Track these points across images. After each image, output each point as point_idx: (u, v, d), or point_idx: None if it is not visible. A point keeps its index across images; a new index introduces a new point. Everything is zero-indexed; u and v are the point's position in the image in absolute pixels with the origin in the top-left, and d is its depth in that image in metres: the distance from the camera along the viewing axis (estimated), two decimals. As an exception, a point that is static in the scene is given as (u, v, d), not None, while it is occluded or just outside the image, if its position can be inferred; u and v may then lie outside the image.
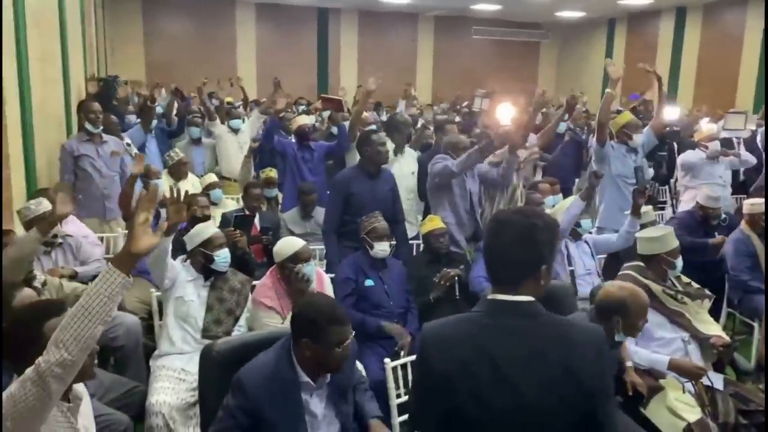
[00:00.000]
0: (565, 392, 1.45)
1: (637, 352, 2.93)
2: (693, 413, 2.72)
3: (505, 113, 5.97)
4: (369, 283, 3.47)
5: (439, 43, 16.96)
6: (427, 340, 1.57)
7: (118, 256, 1.63)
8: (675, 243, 3.19)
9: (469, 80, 14.71)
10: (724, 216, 4.75)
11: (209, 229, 3.32)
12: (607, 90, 4.66)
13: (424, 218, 5.05)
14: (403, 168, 5.02)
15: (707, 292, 3.22)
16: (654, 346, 3.00)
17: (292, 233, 4.58)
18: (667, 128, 6.05)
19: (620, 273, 3.21)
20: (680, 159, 5.87)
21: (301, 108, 9.98)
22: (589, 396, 1.46)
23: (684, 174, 5.70)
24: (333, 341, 1.98)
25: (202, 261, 3.18)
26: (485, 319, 1.53)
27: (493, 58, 17.00)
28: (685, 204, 5.43)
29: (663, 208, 6.33)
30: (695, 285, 3.23)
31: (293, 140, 5.65)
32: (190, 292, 3.12)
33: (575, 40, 17.52)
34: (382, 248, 3.49)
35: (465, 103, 10.86)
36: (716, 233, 4.65)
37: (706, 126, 5.98)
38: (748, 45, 12.62)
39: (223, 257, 3.20)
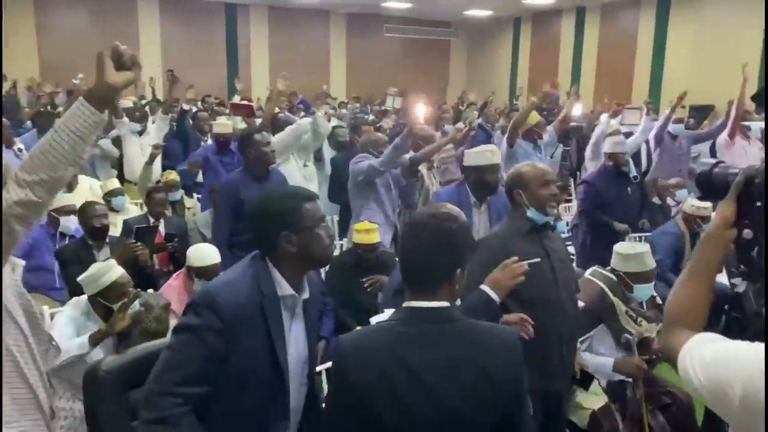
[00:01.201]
0: (483, 397, 1.47)
1: (586, 357, 2.94)
2: (598, 401, 2.83)
3: (419, 111, 6.03)
4: None
5: (351, 41, 16.93)
6: (343, 352, 1.55)
7: (92, 91, 1.43)
8: (646, 267, 3.05)
9: (383, 78, 14.77)
10: (635, 174, 4.84)
11: (112, 272, 2.71)
12: (532, 98, 4.94)
13: (342, 220, 5.02)
14: (291, 165, 4.74)
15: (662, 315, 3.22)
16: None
17: (203, 237, 4.42)
18: (570, 124, 6.29)
19: (587, 277, 3.10)
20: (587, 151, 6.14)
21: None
22: (507, 399, 1.49)
23: (591, 159, 5.93)
24: (313, 219, 1.74)
25: (103, 313, 2.65)
26: (402, 328, 1.51)
27: (405, 56, 17.16)
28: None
29: (569, 201, 6.57)
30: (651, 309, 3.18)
31: (211, 143, 5.46)
32: (95, 352, 2.54)
33: (484, 39, 17.99)
34: None
35: (378, 102, 10.90)
36: (629, 188, 4.74)
37: (605, 120, 6.25)
38: (641, 43, 13.42)
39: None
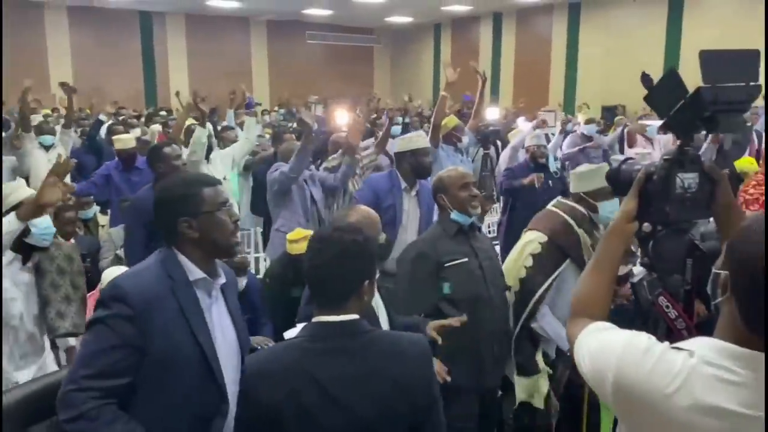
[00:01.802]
0: (396, 406, 1.47)
1: (550, 323, 2.78)
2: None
3: (341, 118, 6.03)
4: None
5: (273, 48, 16.75)
6: (251, 374, 1.51)
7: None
8: (601, 184, 2.79)
9: (307, 85, 14.72)
10: (555, 169, 5.04)
11: (21, 189, 2.60)
12: (442, 92, 4.90)
13: (265, 231, 4.92)
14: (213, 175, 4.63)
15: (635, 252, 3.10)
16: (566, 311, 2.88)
17: (117, 256, 4.25)
18: (490, 128, 6.44)
19: (550, 209, 2.90)
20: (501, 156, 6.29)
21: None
22: (420, 406, 1.50)
23: (506, 162, 6.10)
24: (214, 203, 1.67)
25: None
26: (310, 344, 1.49)
27: (329, 63, 17.15)
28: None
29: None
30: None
31: (114, 160, 5.15)
32: (7, 286, 2.45)
33: (406, 45, 18.23)
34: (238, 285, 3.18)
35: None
36: (550, 182, 4.87)
37: (522, 125, 6.45)
38: (555, 48, 13.95)
39: (44, 227, 2.47)
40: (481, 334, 2.51)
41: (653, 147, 6.17)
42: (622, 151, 6.72)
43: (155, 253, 1.71)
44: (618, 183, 1.49)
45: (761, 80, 1.48)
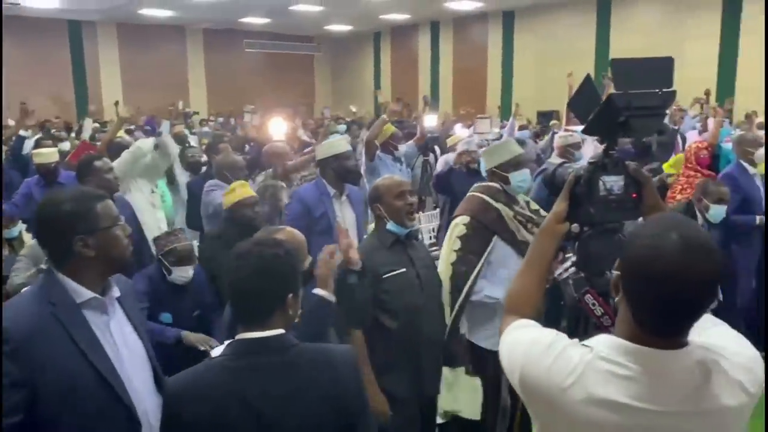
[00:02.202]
0: (327, 418, 1.46)
1: (491, 289, 2.81)
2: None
3: (277, 128, 5.96)
4: (166, 319, 2.98)
5: (210, 57, 16.47)
6: (172, 396, 1.46)
7: None
8: (512, 153, 2.94)
9: (246, 94, 14.50)
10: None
11: None
12: (383, 116, 5.01)
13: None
14: (135, 193, 4.30)
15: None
16: (505, 283, 2.79)
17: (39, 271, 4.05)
18: (428, 134, 6.51)
19: (468, 194, 3.00)
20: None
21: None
22: (351, 412, 1.50)
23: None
24: (109, 219, 1.58)
25: None
26: (234, 362, 1.45)
27: (269, 72, 16.99)
28: None
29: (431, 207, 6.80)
30: (543, 213, 3.02)
31: (35, 177, 4.86)
32: None
33: (347, 53, 18.26)
34: (182, 274, 3.00)
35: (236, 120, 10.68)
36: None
37: (459, 131, 6.55)
38: (492, 55, 14.26)
39: None
40: (420, 343, 2.51)
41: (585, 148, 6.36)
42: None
43: (34, 287, 1.60)
44: (553, 186, 1.54)
45: (675, 86, 1.56)
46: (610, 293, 1.40)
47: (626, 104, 1.45)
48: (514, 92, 13.79)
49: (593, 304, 1.47)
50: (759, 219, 4.14)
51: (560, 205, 1.43)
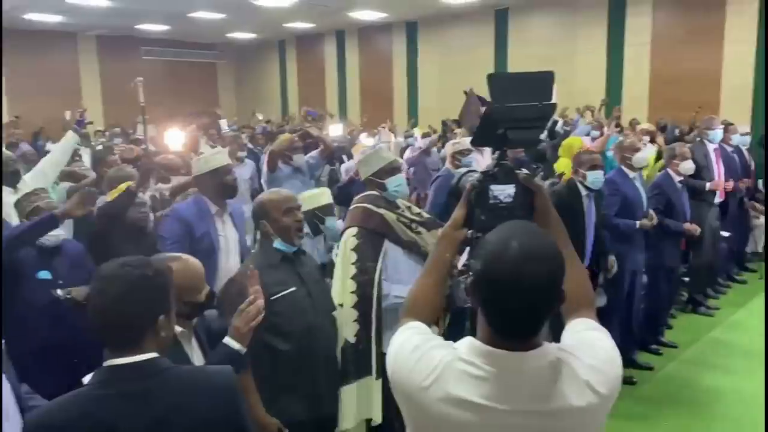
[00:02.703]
0: None
1: (399, 288, 2.79)
2: None
3: (174, 140, 5.74)
4: (44, 275, 2.86)
5: (105, 65, 15.66)
6: (34, 430, 1.34)
7: None
8: (385, 160, 3.02)
9: (146, 104, 13.88)
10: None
11: None
12: (287, 135, 5.10)
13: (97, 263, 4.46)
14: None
15: (439, 221, 3.13)
16: (405, 282, 2.80)
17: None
18: (335, 144, 6.50)
19: (351, 206, 3.03)
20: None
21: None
22: None
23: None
24: None
25: None
26: (101, 390, 1.35)
27: (169, 80, 16.35)
28: None
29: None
30: (426, 215, 3.14)
31: None
32: None
33: (251, 61, 17.94)
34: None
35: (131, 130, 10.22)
36: None
37: (364, 140, 6.58)
38: (397, 65, 14.46)
39: None
40: (316, 363, 2.44)
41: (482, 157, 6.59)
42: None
43: None
44: (459, 193, 1.57)
45: (555, 99, 1.62)
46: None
47: (503, 117, 1.49)
48: (420, 101, 14.05)
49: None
50: (639, 223, 4.42)
51: (458, 212, 1.48)
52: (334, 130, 6.53)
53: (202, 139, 7.89)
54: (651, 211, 4.54)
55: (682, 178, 4.82)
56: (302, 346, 2.36)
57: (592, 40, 11.21)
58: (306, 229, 3.47)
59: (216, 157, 3.32)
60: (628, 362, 4.61)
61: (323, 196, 3.76)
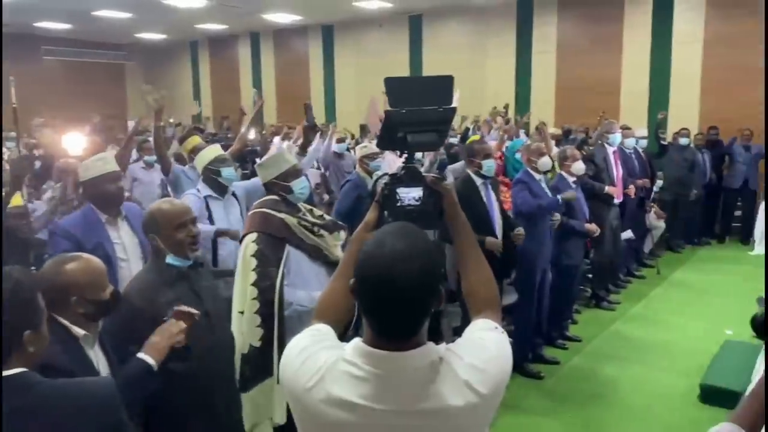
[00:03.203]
0: None
1: (307, 295, 2.77)
2: None
3: (75, 143, 5.44)
4: None
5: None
6: None
7: None
8: (289, 163, 3.03)
9: (47, 107, 13.11)
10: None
11: None
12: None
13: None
14: None
15: (341, 223, 3.16)
16: (310, 286, 2.82)
17: None
18: (247, 147, 6.37)
19: (249, 213, 2.97)
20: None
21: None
22: None
23: None
24: None
25: None
26: None
27: (72, 81, 15.52)
28: None
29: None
30: (327, 217, 3.11)
31: None
32: None
33: (162, 62, 17.32)
34: None
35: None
36: None
37: (278, 143, 6.50)
38: (313, 67, 14.39)
39: None
40: (212, 384, 2.34)
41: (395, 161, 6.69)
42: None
43: None
44: (375, 196, 1.57)
45: (456, 103, 1.65)
46: None
47: (401, 121, 1.51)
48: (338, 105, 14.05)
49: None
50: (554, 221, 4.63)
51: (370, 214, 1.51)
52: (250, 134, 6.40)
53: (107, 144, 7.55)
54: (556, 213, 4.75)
55: (575, 179, 5.06)
56: (199, 368, 2.24)
57: (501, 47, 11.60)
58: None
59: (96, 164, 3.09)
60: (536, 358, 4.80)
61: (210, 151, 3.91)
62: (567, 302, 5.29)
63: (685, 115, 9.45)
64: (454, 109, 1.55)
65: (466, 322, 1.39)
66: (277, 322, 2.70)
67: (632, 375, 4.63)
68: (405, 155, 1.58)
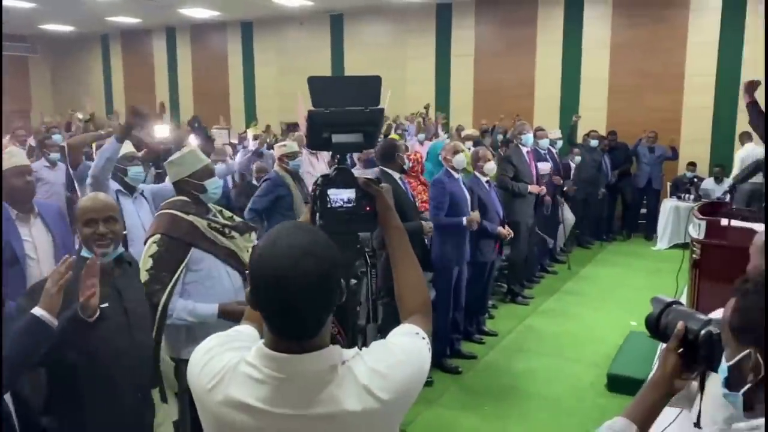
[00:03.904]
0: None
1: (184, 308, 2.66)
2: None
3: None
4: None
5: None
6: None
7: None
8: (202, 161, 2.90)
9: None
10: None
11: None
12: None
13: None
14: None
15: (251, 224, 3.08)
16: (218, 292, 2.72)
17: None
18: (161, 146, 6.16)
19: (158, 212, 2.85)
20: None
21: None
22: None
23: None
24: None
25: None
26: None
27: (-31, 74, 14.45)
28: None
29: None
30: (237, 218, 3.02)
31: None
32: None
33: (70, 56, 16.40)
34: None
35: None
36: None
37: (194, 142, 6.31)
38: (232, 64, 14.05)
39: None
40: (122, 386, 2.22)
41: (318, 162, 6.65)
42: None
43: None
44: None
45: (384, 104, 1.63)
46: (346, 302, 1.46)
47: (324, 121, 1.49)
48: (258, 103, 13.79)
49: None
50: (465, 219, 4.71)
51: (305, 216, 1.51)
52: (160, 132, 6.16)
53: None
54: (477, 211, 4.86)
55: (488, 179, 5.21)
56: (113, 368, 2.16)
57: (421, 48, 11.76)
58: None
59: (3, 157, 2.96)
60: (454, 353, 4.90)
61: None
62: (482, 298, 5.42)
63: (594, 117, 9.94)
64: (381, 110, 1.52)
65: (396, 324, 1.37)
66: (156, 329, 2.58)
67: (545, 366, 4.81)
68: (338, 157, 1.56)
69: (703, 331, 1.30)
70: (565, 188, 7.58)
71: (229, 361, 1.16)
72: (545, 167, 6.88)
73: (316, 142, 1.56)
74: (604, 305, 6.20)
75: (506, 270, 6.51)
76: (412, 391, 1.21)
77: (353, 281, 1.56)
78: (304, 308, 1.11)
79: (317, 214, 1.49)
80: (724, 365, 1.17)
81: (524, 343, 5.32)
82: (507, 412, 4.15)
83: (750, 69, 8.65)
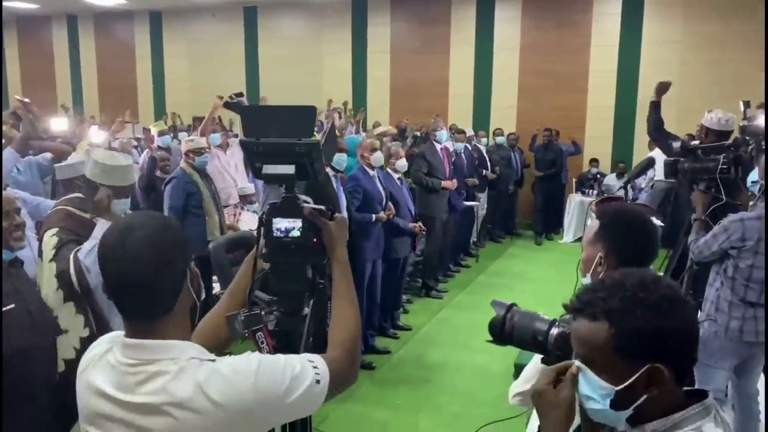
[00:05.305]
0: None
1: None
2: None
3: None
4: None
5: None
6: None
7: None
8: (127, 182, 2.74)
9: None
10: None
11: None
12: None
13: None
14: None
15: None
16: None
17: None
18: (58, 140, 5.81)
19: (51, 209, 2.77)
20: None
21: None
22: None
23: None
24: None
25: None
26: None
27: None
28: None
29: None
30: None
31: None
32: None
33: (-42, 42, 15.17)
34: None
35: None
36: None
37: (95, 134, 5.98)
38: (140, 55, 13.46)
39: None
40: (34, 388, 2.16)
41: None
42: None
43: None
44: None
45: (318, 137, 1.58)
46: (291, 331, 1.46)
47: (256, 151, 1.44)
48: (168, 96, 13.28)
49: (262, 342, 1.43)
50: (375, 216, 4.74)
51: (259, 240, 1.50)
52: (58, 125, 5.80)
53: None
54: (390, 204, 4.90)
55: (400, 175, 5.29)
56: (18, 370, 2.09)
57: (337, 43, 11.70)
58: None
59: None
60: (368, 349, 4.92)
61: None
62: (397, 293, 5.48)
63: (505, 116, 10.27)
64: (316, 144, 1.45)
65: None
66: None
67: (456, 358, 4.92)
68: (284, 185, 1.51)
69: (554, 331, 1.37)
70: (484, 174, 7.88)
71: (100, 349, 1.22)
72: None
73: (254, 170, 1.50)
74: (513, 297, 6.24)
75: (421, 265, 6.60)
76: (254, 409, 1.14)
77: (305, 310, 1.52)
78: (134, 284, 1.13)
79: (263, 243, 1.46)
80: (610, 390, 1.05)
81: (437, 336, 5.41)
82: (419, 404, 4.21)
83: (648, 70, 9.25)
